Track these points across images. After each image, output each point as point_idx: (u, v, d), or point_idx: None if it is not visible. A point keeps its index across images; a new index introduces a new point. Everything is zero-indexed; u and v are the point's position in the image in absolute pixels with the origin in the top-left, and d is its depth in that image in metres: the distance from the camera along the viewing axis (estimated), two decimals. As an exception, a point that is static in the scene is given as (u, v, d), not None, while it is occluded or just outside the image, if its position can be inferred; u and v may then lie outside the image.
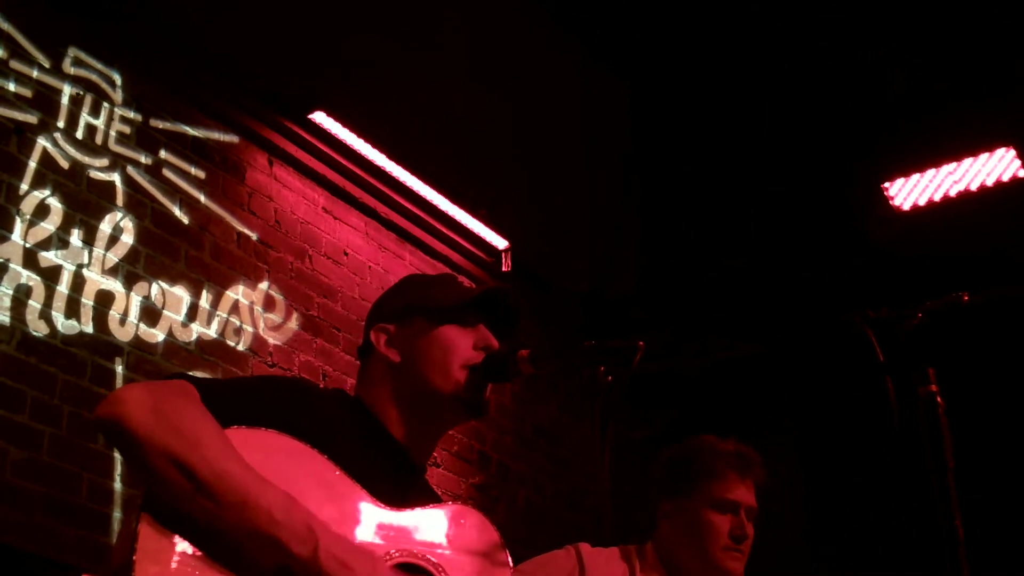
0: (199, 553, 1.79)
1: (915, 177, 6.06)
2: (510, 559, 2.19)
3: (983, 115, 5.93)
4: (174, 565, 1.76)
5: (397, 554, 1.98)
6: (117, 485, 3.94)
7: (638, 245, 7.00)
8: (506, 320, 2.28)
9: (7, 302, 3.82)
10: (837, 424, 6.26)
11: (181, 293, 4.41)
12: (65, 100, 4.19)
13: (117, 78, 4.40)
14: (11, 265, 3.86)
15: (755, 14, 6.41)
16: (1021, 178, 5.86)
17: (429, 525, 2.06)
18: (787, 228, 6.35)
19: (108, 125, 4.32)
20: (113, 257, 4.20)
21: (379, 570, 1.88)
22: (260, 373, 4.61)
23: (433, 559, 2.02)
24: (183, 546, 1.78)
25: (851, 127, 6.22)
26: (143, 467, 1.81)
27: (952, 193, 5.99)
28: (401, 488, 2.09)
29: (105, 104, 4.33)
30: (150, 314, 4.28)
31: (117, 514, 3.90)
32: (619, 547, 2.99)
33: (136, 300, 4.24)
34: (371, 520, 1.96)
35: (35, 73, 4.12)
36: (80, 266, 4.08)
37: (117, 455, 3.90)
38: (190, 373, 2.38)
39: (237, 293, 4.64)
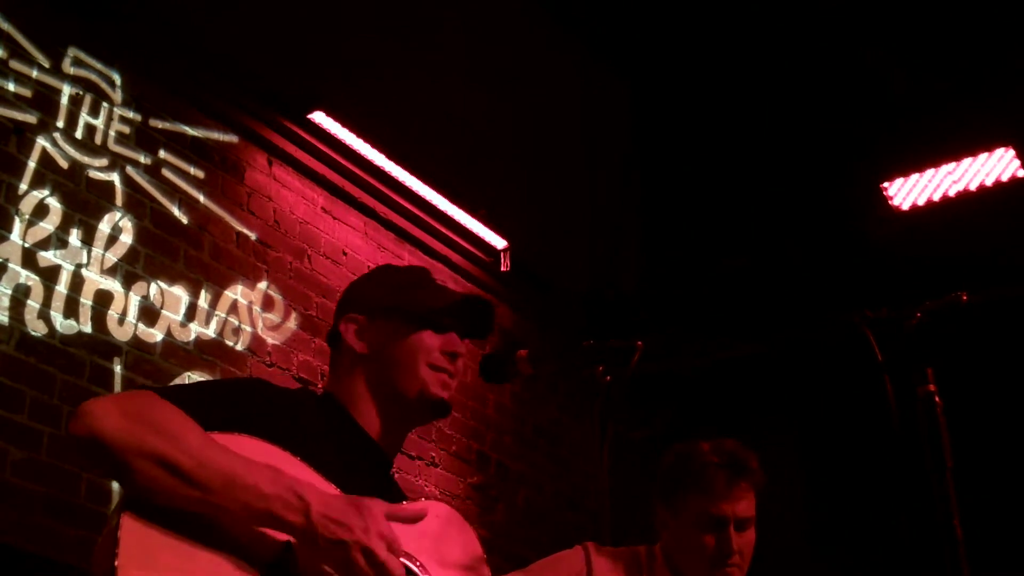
0: (183, 553, 1.78)
1: (914, 177, 6.06)
2: (484, 554, 2.20)
3: (983, 115, 5.93)
4: (157, 568, 1.75)
5: None
6: (115, 485, 3.94)
7: (638, 245, 7.00)
8: (480, 327, 2.30)
9: (6, 302, 3.82)
10: (836, 424, 6.26)
11: (180, 293, 4.41)
12: (64, 100, 4.19)
13: (117, 78, 4.39)
14: (10, 265, 3.86)
15: (755, 14, 6.41)
16: (1020, 178, 5.86)
17: (407, 520, 2.05)
18: (787, 228, 6.36)
19: (107, 125, 4.32)
20: (112, 257, 4.20)
21: (372, 523, 1.88)
22: (258, 373, 4.61)
23: (413, 555, 2.03)
24: (166, 547, 1.78)
25: (851, 127, 6.22)
26: (126, 472, 1.80)
27: (951, 193, 5.99)
28: (375, 485, 2.09)
29: (104, 104, 4.32)
30: (149, 314, 4.27)
31: (116, 514, 3.89)
32: (628, 548, 2.95)
33: (135, 300, 4.24)
34: None
35: (35, 73, 4.12)
36: (79, 266, 4.08)
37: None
38: (179, 378, 2.40)
39: (236, 293, 4.64)
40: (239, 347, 4.59)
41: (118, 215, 4.26)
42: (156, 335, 4.28)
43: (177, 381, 4.26)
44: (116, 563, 1.72)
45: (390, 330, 2.21)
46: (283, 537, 1.85)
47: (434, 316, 2.22)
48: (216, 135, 4.73)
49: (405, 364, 2.18)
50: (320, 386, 4.83)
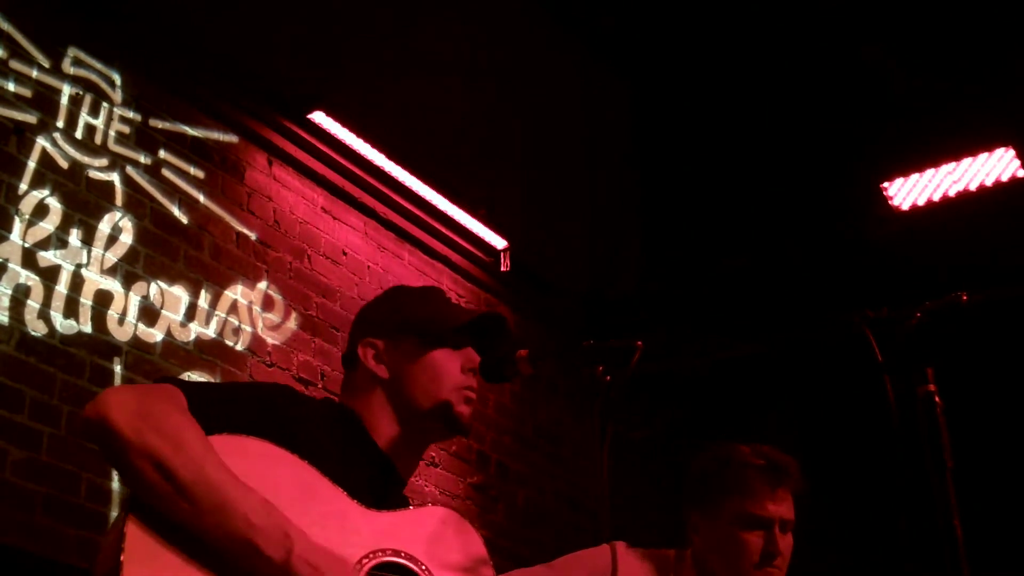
0: (186, 550, 1.80)
1: (914, 177, 6.06)
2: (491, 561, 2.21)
3: (983, 115, 5.92)
4: (162, 566, 1.77)
5: (380, 553, 2.00)
6: (115, 485, 3.94)
7: (638, 245, 7.00)
8: (495, 342, 2.32)
9: (6, 302, 3.82)
10: (836, 424, 6.25)
11: (180, 293, 4.41)
12: (64, 100, 4.19)
13: (116, 78, 4.39)
14: (10, 265, 3.86)
15: (755, 14, 6.41)
16: (1020, 178, 5.86)
17: (412, 527, 2.08)
18: (787, 228, 6.35)
19: (107, 125, 4.32)
20: (112, 257, 4.20)
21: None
22: (258, 373, 4.61)
23: (417, 558, 2.04)
24: (171, 547, 1.80)
25: (850, 127, 6.21)
26: (125, 468, 1.83)
27: (951, 193, 5.98)
28: (385, 496, 2.12)
29: (104, 104, 4.32)
30: (148, 314, 4.27)
31: (115, 513, 3.89)
32: (657, 550, 2.92)
33: (135, 300, 4.24)
34: (354, 522, 1.98)
35: (35, 73, 4.12)
36: (79, 266, 4.08)
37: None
38: (180, 377, 2.42)
39: (236, 293, 4.64)
40: (239, 347, 4.59)
41: (118, 215, 4.26)
42: (156, 335, 4.28)
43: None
44: (122, 558, 1.74)
45: (409, 351, 2.23)
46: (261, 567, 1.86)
47: (452, 335, 2.24)
48: (216, 135, 4.73)
49: (427, 385, 2.21)
50: (320, 386, 4.83)
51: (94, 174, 4.22)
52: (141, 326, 4.23)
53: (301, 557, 1.84)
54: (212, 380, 4.37)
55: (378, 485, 2.13)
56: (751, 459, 2.85)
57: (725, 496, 2.83)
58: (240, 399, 2.03)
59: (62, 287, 4.01)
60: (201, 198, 4.59)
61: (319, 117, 5.03)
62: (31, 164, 4.01)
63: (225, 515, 1.81)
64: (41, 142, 4.07)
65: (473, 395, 2.24)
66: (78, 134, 4.21)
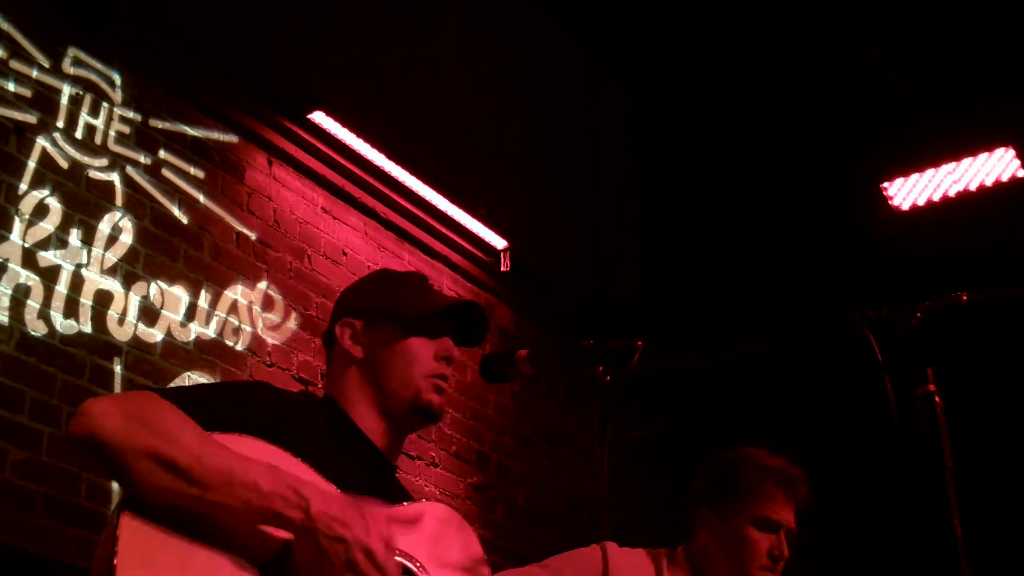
0: (181, 552, 1.79)
1: (914, 177, 6.06)
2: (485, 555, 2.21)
3: (983, 115, 5.93)
4: (156, 567, 1.76)
5: None
6: (115, 485, 3.94)
7: (638, 245, 7.00)
8: (473, 332, 2.31)
9: (6, 302, 3.82)
10: (836, 424, 6.25)
11: (180, 293, 4.41)
12: (64, 100, 4.19)
13: (116, 78, 4.39)
14: (10, 265, 3.86)
15: (755, 14, 6.41)
16: (1020, 178, 5.86)
17: (408, 524, 2.07)
18: (787, 228, 6.35)
19: (107, 125, 4.31)
20: (112, 257, 4.20)
21: (372, 523, 1.89)
22: (258, 373, 4.61)
23: (414, 556, 2.04)
24: (165, 546, 1.78)
25: (851, 127, 6.22)
26: (125, 471, 1.81)
27: (951, 193, 5.98)
28: (377, 487, 2.10)
29: (104, 104, 4.32)
30: (149, 314, 4.27)
31: (116, 514, 3.89)
32: (647, 549, 2.96)
33: (135, 300, 4.24)
34: None
35: (35, 73, 4.12)
36: (79, 266, 4.08)
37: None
38: (180, 376, 2.41)
39: (236, 293, 4.64)
40: (239, 347, 4.59)
41: (118, 215, 4.26)
42: (156, 335, 4.28)
43: (177, 381, 4.27)
44: (115, 562, 1.72)
45: (384, 335, 2.22)
46: (281, 535, 1.86)
47: (427, 323, 2.23)
48: (216, 135, 4.73)
49: (398, 370, 2.20)
50: (320, 386, 4.83)
51: (94, 174, 4.22)
52: (141, 326, 4.23)
53: (321, 511, 1.84)
54: (210, 381, 4.37)
55: (369, 477, 2.12)
56: (772, 464, 2.92)
57: (743, 495, 2.89)
58: (220, 398, 2.02)
59: (62, 287, 4.01)
60: (201, 198, 4.59)
61: (319, 117, 5.03)
62: (31, 164, 4.01)
63: (236, 488, 1.81)
64: (41, 142, 4.07)
65: (443, 383, 2.23)
66: (78, 134, 4.21)
